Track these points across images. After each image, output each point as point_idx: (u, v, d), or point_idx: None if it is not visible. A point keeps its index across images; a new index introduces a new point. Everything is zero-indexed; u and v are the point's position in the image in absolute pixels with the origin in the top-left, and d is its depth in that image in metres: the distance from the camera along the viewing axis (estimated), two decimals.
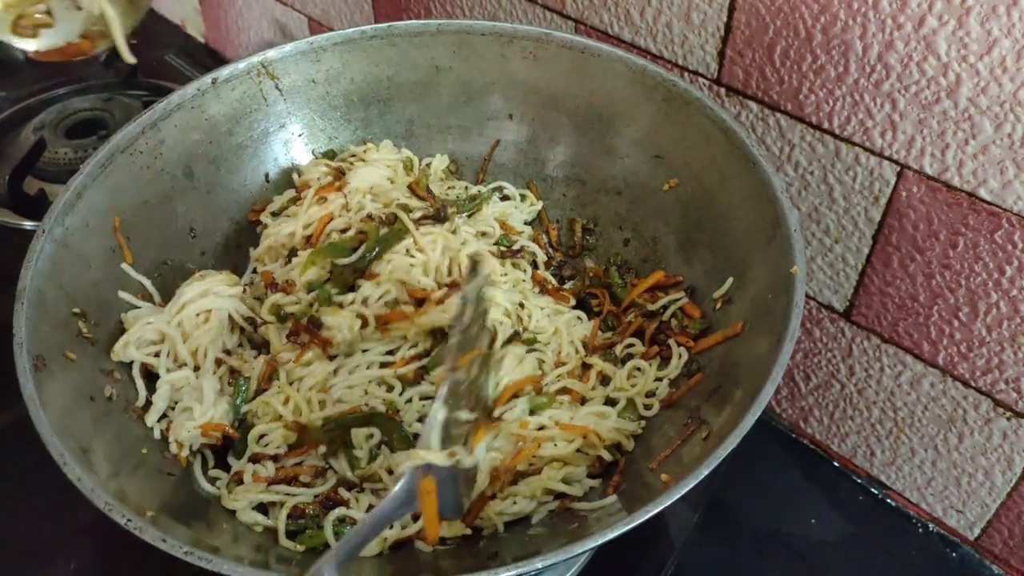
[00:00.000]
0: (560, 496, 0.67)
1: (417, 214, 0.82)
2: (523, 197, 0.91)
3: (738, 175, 0.74)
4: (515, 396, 0.71)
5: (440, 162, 0.92)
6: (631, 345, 0.77)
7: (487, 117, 0.91)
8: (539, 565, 0.52)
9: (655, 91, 0.81)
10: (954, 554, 0.83)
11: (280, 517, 0.65)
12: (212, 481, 0.70)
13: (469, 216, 0.85)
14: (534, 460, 0.67)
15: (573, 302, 0.83)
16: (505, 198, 0.91)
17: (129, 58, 1.03)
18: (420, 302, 0.77)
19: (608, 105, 0.85)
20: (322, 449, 0.69)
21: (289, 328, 0.75)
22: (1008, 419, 0.74)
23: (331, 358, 0.75)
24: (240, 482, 0.68)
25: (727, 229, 0.76)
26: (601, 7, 0.86)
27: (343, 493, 0.68)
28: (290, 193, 0.87)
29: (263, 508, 0.68)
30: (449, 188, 0.90)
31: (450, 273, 0.80)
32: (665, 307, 0.79)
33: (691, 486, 0.54)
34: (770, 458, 0.91)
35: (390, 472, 0.68)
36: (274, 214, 0.86)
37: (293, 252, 0.80)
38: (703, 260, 0.79)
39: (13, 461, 0.76)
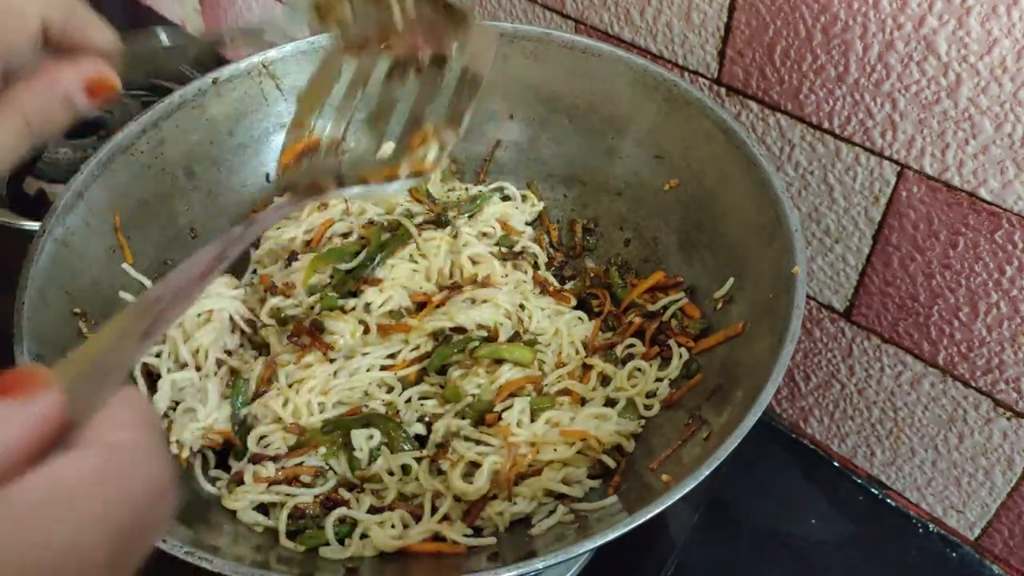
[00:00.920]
0: (560, 496, 0.67)
1: (419, 219, 0.82)
2: (524, 197, 0.91)
3: (738, 175, 0.74)
4: (514, 396, 0.71)
5: None
6: (631, 345, 0.77)
7: (487, 117, 0.91)
8: (539, 565, 0.52)
9: (656, 91, 0.81)
10: (954, 554, 0.83)
11: (281, 517, 0.65)
12: (212, 481, 0.70)
13: (470, 217, 0.85)
14: (534, 462, 0.68)
15: (574, 303, 0.83)
16: (506, 198, 0.91)
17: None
18: (421, 306, 0.77)
19: (609, 105, 0.85)
20: (322, 450, 0.69)
21: (290, 331, 0.75)
22: (1008, 419, 0.74)
23: (331, 360, 0.75)
24: (240, 482, 0.68)
25: (728, 229, 0.76)
26: (601, 7, 0.86)
27: (343, 493, 0.68)
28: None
29: (263, 508, 0.67)
30: (450, 189, 0.90)
31: (451, 276, 0.80)
32: (665, 307, 0.79)
33: (692, 486, 0.54)
34: (770, 458, 0.91)
35: (391, 473, 0.68)
36: None
37: (293, 256, 0.80)
38: (704, 260, 0.79)
39: None
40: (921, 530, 0.85)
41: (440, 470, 0.67)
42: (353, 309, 0.75)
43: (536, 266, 0.86)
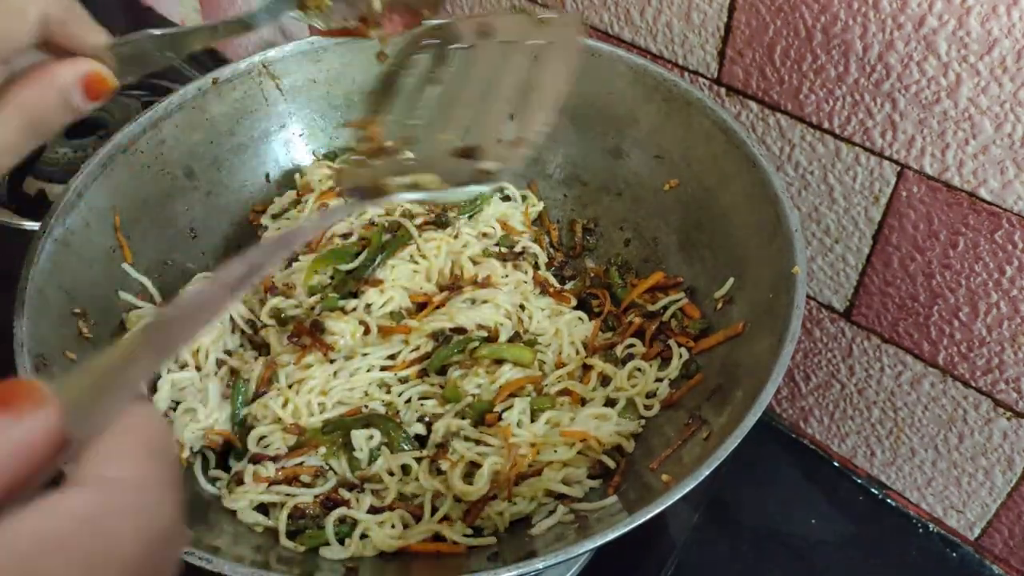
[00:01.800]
0: (560, 497, 0.67)
1: (419, 220, 0.82)
2: (524, 198, 0.91)
3: (738, 175, 0.74)
4: (514, 396, 0.71)
5: None
6: (631, 345, 0.77)
7: None
8: (539, 565, 0.52)
9: (656, 91, 0.81)
10: (954, 554, 0.83)
11: (281, 517, 0.65)
12: (212, 481, 0.70)
13: (470, 218, 0.85)
14: (534, 462, 0.68)
15: (574, 303, 0.83)
16: (506, 198, 0.91)
17: None
18: (421, 306, 0.77)
19: (609, 105, 0.85)
20: (322, 450, 0.69)
21: (290, 331, 0.75)
22: (1008, 419, 0.74)
23: (331, 361, 0.75)
24: (240, 482, 0.68)
25: (728, 229, 0.76)
26: (601, 7, 0.86)
27: (343, 493, 0.68)
28: (291, 195, 0.87)
29: (264, 508, 0.67)
30: None
31: (452, 276, 0.80)
32: (665, 307, 0.79)
33: (692, 486, 0.54)
34: (770, 458, 0.91)
35: (391, 473, 0.68)
36: (274, 216, 0.86)
37: (294, 256, 0.80)
38: (704, 260, 0.79)
39: None
40: (921, 530, 0.85)
41: (440, 470, 0.67)
42: (354, 310, 0.75)
43: (536, 266, 0.86)
